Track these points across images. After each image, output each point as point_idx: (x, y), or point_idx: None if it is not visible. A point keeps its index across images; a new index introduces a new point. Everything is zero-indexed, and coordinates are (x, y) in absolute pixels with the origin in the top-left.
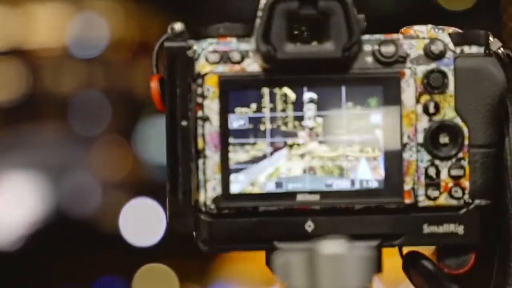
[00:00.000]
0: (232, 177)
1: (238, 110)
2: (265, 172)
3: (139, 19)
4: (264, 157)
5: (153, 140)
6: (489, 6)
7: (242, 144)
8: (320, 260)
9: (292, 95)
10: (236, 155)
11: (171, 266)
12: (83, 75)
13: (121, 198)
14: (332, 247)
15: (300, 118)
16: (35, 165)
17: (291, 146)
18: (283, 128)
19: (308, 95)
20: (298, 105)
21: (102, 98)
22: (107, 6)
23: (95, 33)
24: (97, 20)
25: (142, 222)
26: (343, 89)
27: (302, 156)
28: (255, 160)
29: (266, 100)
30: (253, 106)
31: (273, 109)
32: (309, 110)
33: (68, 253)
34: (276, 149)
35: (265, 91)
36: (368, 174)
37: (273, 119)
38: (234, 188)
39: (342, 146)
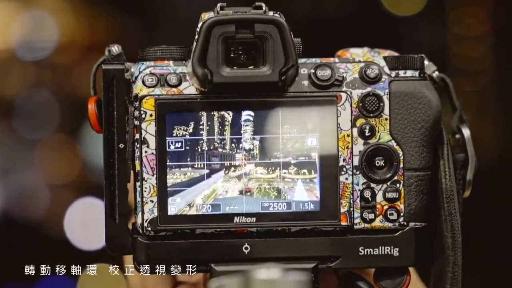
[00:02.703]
0: (169, 199)
1: (175, 132)
2: (202, 194)
3: (88, 20)
4: (201, 179)
5: (101, 141)
6: (437, 11)
7: (179, 167)
8: (255, 285)
9: (229, 118)
10: (173, 177)
11: (120, 266)
12: (31, 77)
13: (69, 199)
14: (266, 272)
15: (237, 140)
16: None
17: (228, 167)
18: (220, 150)
19: (245, 117)
20: (236, 127)
21: (50, 100)
22: (56, 6)
23: (43, 34)
24: (45, 20)
25: (89, 223)
26: (280, 112)
27: (239, 177)
28: (192, 182)
29: (203, 122)
30: (190, 128)
31: (210, 132)
32: (246, 132)
33: (14, 254)
34: (213, 171)
35: (202, 113)
36: (305, 196)
37: (210, 141)
38: (171, 210)
39: (279, 168)
